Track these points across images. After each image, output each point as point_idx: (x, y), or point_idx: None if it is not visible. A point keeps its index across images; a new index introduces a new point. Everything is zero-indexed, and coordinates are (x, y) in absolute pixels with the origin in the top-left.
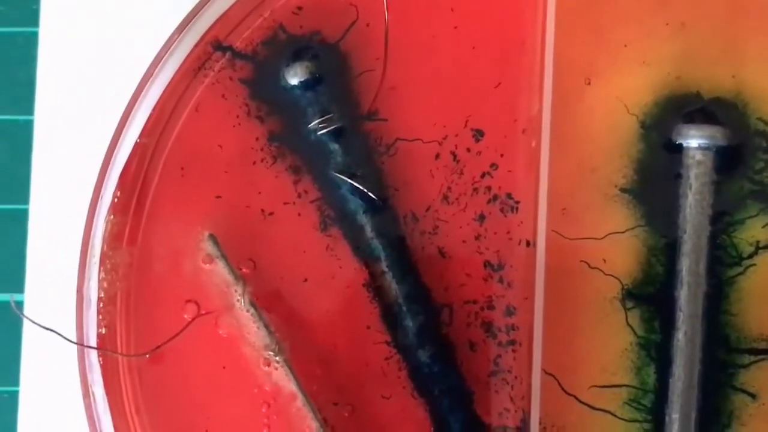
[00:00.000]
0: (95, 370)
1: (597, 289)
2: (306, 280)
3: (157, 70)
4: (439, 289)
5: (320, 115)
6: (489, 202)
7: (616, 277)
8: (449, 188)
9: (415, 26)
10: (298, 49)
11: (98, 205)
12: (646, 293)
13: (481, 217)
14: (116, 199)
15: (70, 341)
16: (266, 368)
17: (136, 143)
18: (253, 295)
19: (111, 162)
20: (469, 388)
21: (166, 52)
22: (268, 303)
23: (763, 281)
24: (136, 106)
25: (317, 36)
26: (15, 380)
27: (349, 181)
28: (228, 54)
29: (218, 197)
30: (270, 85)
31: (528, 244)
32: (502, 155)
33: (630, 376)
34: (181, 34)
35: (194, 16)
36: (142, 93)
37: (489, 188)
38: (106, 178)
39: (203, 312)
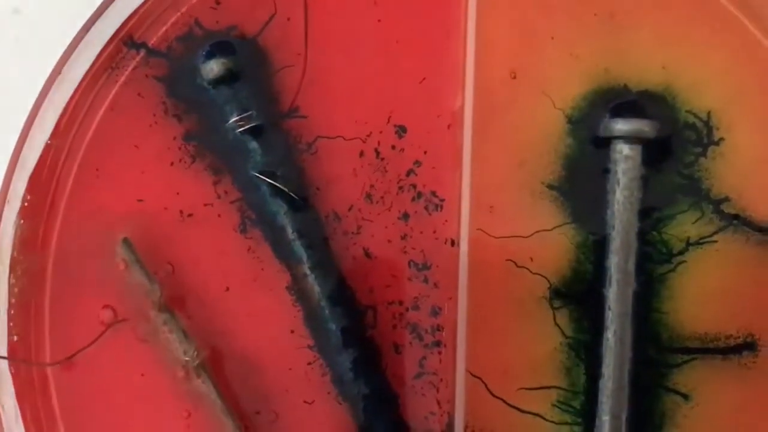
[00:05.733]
0: (6, 380)
1: (524, 289)
2: (227, 283)
3: (64, 68)
4: (364, 291)
5: (238, 112)
6: (413, 200)
7: (543, 276)
8: (372, 186)
9: (337, 19)
10: (215, 44)
11: (3, 210)
12: (575, 292)
13: (406, 216)
14: (26, 203)
15: None
16: (185, 376)
17: (47, 144)
18: (170, 300)
19: (16, 165)
20: (394, 392)
21: (74, 49)
22: (187, 308)
23: (694, 278)
24: (43, 107)
25: (234, 31)
26: None
27: (269, 180)
28: (143, 51)
29: (135, 199)
30: (187, 83)
31: (453, 243)
32: (425, 152)
33: (559, 377)
34: (90, 31)
35: (102, 12)
36: (50, 93)
37: (414, 186)
38: (12, 181)
39: (120, 318)
